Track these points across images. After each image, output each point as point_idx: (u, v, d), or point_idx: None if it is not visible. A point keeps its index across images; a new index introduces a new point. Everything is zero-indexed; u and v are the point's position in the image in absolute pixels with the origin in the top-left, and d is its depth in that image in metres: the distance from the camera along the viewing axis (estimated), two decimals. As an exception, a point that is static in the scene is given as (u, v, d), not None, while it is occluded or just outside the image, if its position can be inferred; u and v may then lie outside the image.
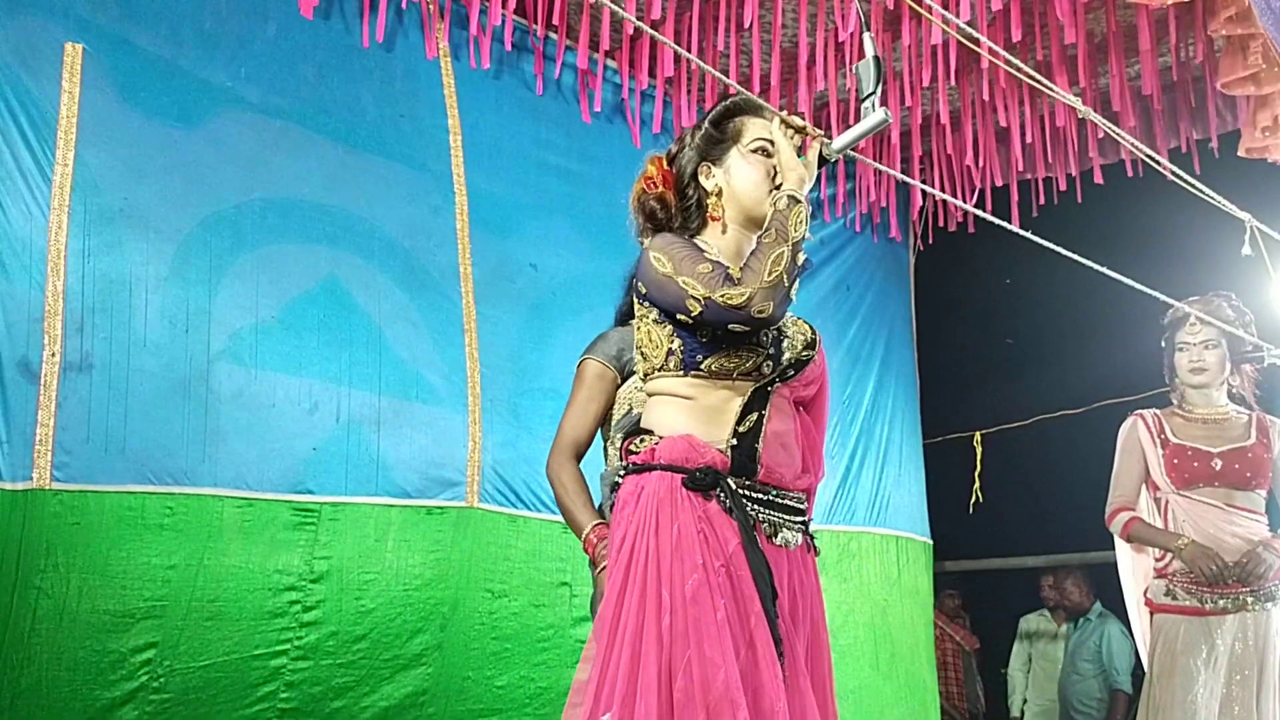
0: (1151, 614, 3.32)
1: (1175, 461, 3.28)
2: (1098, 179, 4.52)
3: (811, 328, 2.07)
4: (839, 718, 1.96)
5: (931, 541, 5.11)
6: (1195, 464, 3.26)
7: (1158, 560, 3.33)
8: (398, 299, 3.44)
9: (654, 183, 2.04)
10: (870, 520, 4.79)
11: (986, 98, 4.21)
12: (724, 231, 2.00)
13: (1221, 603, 3.15)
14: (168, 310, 2.98)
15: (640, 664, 1.72)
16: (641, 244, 2.03)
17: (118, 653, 2.74)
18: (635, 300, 1.98)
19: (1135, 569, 3.48)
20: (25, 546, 2.64)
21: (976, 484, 5.31)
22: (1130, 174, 4.40)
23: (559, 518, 3.63)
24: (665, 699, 1.69)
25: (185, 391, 2.96)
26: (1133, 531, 3.32)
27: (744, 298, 1.79)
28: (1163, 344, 3.46)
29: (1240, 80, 3.45)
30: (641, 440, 1.92)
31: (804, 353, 1.99)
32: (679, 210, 2.03)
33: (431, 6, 3.70)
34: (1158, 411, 3.41)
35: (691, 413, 1.89)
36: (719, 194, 2.00)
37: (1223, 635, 3.13)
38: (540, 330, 3.78)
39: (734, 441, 1.88)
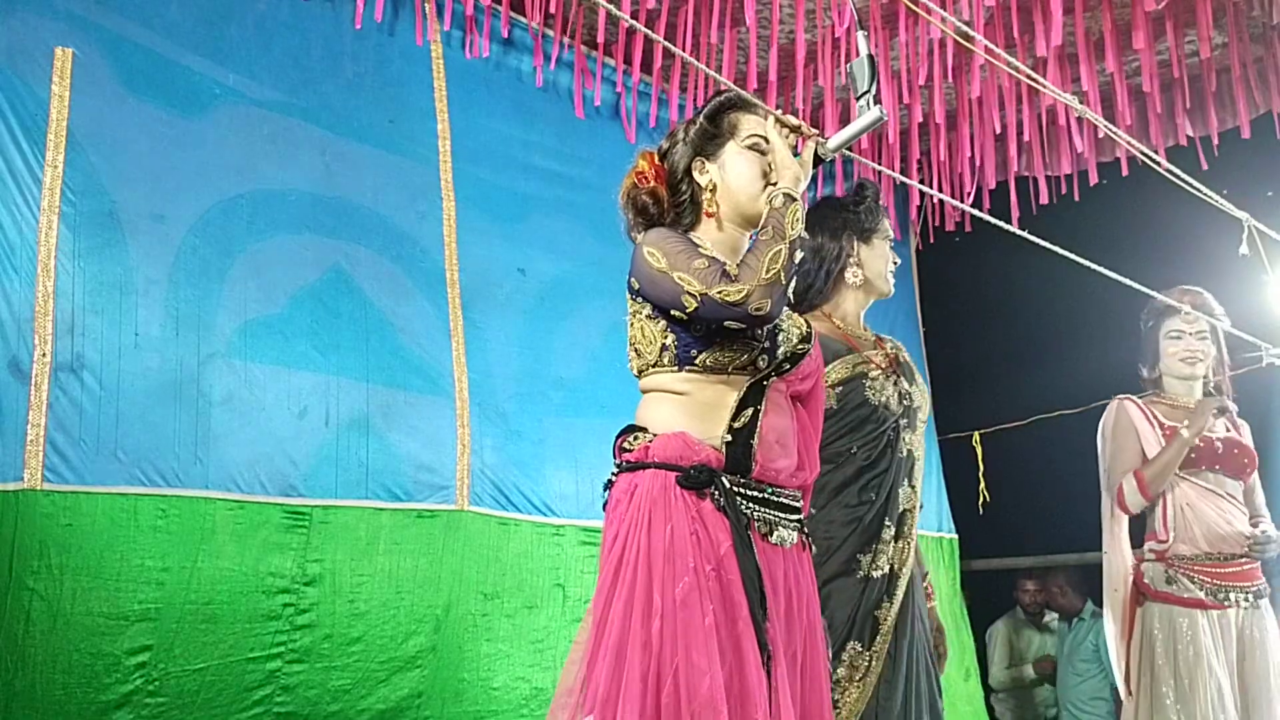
0: (1147, 599, 3.20)
1: None
2: (1093, 179, 4.50)
3: (806, 321, 2.06)
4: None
5: (955, 536, 5.06)
6: (1200, 444, 3.18)
7: (1160, 542, 3.21)
8: (385, 304, 3.43)
9: (645, 177, 1.99)
10: None
11: (982, 96, 4.20)
12: (719, 227, 1.98)
13: (1219, 596, 3.12)
14: (158, 312, 2.97)
15: (625, 666, 1.69)
16: (633, 239, 2.00)
17: (112, 655, 2.72)
18: (628, 296, 1.95)
19: (1121, 562, 3.32)
20: (18, 547, 2.62)
21: (982, 484, 5.29)
22: (1127, 173, 4.39)
23: (551, 520, 3.64)
24: (651, 704, 1.66)
25: (177, 393, 2.95)
26: (1147, 478, 3.18)
27: (742, 294, 1.76)
28: (1143, 327, 3.35)
29: None
30: (635, 437, 1.88)
31: (799, 346, 1.98)
32: (671, 206, 2.00)
33: (428, 6, 3.68)
34: (1138, 399, 3.31)
35: (686, 409, 1.86)
36: (713, 189, 1.97)
37: (1227, 630, 3.11)
38: (529, 335, 3.77)
39: (728, 437, 1.85)
